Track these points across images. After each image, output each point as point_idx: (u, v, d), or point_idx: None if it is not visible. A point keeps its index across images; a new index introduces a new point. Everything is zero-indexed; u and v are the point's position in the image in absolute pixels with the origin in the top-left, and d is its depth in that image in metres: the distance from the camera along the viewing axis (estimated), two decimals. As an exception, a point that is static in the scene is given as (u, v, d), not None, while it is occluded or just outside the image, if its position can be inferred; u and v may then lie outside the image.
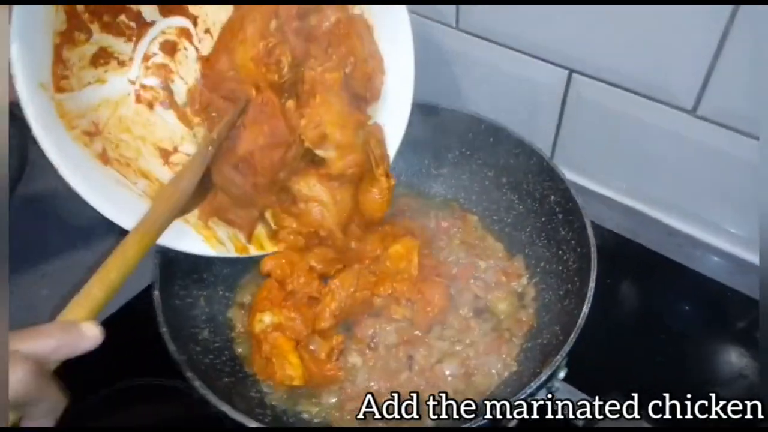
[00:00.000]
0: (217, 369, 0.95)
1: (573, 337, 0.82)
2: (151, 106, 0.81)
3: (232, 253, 0.86)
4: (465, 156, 1.18)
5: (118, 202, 0.75)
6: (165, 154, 0.83)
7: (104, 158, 0.75)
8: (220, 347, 0.99)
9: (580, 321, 0.84)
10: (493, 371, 0.93)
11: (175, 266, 0.99)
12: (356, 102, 0.92)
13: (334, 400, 0.93)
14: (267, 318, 0.94)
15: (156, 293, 0.91)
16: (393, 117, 0.96)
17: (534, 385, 0.78)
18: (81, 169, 0.70)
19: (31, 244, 1.18)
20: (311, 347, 0.94)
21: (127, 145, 0.78)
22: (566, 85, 1.14)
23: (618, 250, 1.14)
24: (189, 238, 0.82)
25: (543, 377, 0.79)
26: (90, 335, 0.54)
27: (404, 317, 0.96)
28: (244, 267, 1.11)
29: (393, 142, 1.00)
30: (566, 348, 0.82)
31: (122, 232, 0.72)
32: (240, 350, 1.00)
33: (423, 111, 1.14)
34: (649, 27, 0.98)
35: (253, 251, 0.92)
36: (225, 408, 0.78)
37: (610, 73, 1.08)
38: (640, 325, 1.07)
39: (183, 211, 0.81)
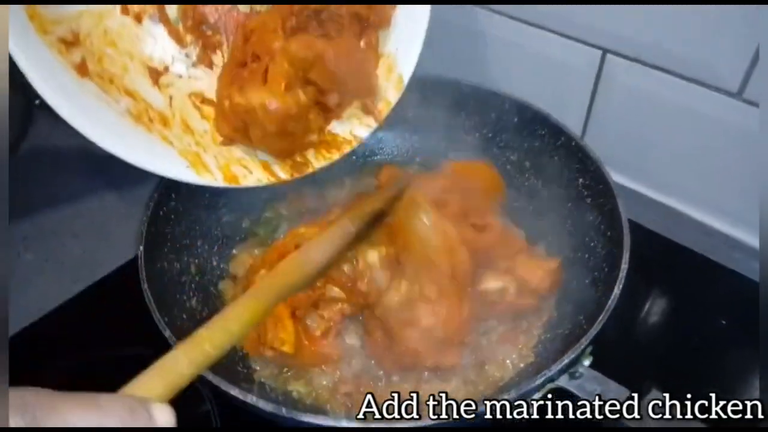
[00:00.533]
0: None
1: (603, 317, 0.74)
2: (138, 19, 0.75)
3: (220, 183, 0.78)
4: (486, 139, 1.11)
5: (93, 117, 0.68)
6: (154, 74, 0.77)
7: (83, 70, 0.68)
8: (207, 318, 0.91)
9: (610, 303, 0.76)
10: (508, 362, 0.86)
11: (166, 226, 0.93)
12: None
13: (325, 382, 0.85)
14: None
15: (141, 248, 0.84)
16: (404, 46, 0.86)
17: (555, 368, 0.70)
18: (54, 78, 0.64)
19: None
20: (308, 322, 0.87)
21: (111, 60, 0.72)
22: (599, 66, 1.07)
23: (649, 248, 1.05)
24: (170, 160, 0.75)
25: (566, 360, 0.70)
26: (160, 420, 0.41)
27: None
28: (241, 237, 1.05)
29: (404, 71, 0.88)
30: (593, 331, 0.73)
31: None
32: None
33: (442, 86, 1.08)
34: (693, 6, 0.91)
35: (245, 182, 0.83)
36: (208, 375, 0.70)
37: (648, 53, 1.01)
38: (670, 325, 0.97)
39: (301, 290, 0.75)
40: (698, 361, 0.90)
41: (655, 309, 1.00)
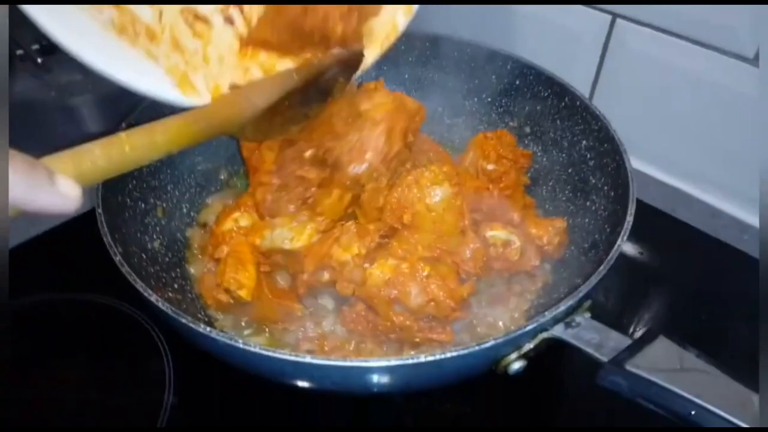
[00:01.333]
0: (162, 281, 0.81)
1: (604, 268, 0.67)
2: None
3: (206, 100, 0.72)
4: (484, 103, 1.06)
5: (74, 25, 0.62)
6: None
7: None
8: (170, 263, 0.86)
9: (613, 253, 0.70)
10: (500, 323, 0.80)
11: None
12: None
13: (288, 339, 0.79)
14: (244, 221, 0.81)
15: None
16: None
17: (549, 315, 0.63)
18: None
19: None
20: (277, 278, 0.81)
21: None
22: (608, 32, 1.02)
23: (652, 226, 0.99)
24: (155, 77, 0.68)
25: (562, 307, 0.64)
26: (64, 192, 0.40)
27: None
28: (216, 188, 0.99)
29: None
30: (594, 279, 0.67)
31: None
32: (192, 270, 0.87)
33: (440, 45, 1.04)
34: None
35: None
36: (164, 307, 0.64)
37: (659, 17, 0.96)
38: (674, 300, 0.92)
39: (234, 131, 0.69)
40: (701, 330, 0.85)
41: (656, 287, 0.94)
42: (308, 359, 0.59)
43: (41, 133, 1.19)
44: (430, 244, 0.75)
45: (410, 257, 0.73)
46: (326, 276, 0.78)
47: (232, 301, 0.77)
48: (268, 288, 0.79)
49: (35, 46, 1.01)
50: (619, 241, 0.71)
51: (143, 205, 0.87)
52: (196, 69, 0.73)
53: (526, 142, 1.02)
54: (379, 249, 0.75)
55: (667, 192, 1.07)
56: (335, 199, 0.77)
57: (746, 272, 0.96)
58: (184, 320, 0.62)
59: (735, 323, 0.86)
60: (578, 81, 0.97)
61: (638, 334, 0.86)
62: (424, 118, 0.83)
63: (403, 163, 0.80)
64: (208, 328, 0.62)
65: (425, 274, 0.72)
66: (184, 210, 0.94)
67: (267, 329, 0.80)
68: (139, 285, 0.65)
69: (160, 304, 0.63)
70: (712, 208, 1.04)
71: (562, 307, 0.64)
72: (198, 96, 0.71)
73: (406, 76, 1.09)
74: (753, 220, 1.00)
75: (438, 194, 0.76)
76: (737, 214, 1.02)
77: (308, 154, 0.78)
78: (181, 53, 0.73)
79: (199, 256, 0.89)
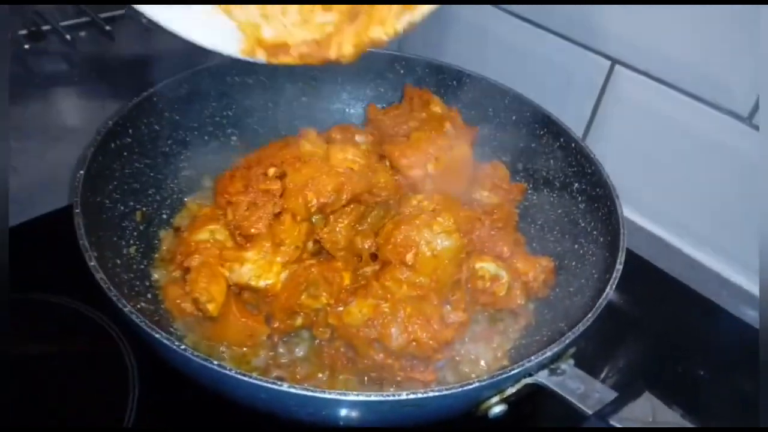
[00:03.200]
0: (135, 290, 0.79)
1: (591, 316, 0.68)
2: None
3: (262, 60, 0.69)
4: (479, 135, 1.06)
5: None
6: None
7: None
8: (144, 271, 0.84)
9: (601, 301, 0.70)
10: (482, 362, 0.80)
11: (115, 161, 0.84)
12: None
13: (256, 363, 0.78)
14: (220, 234, 0.79)
15: (81, 173, 0.75)
16: None
17: (534, 360, 0.62)
18: None
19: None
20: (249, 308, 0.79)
21: None
22: (606, 76, 1.04)
23: (638, 274, 1.00)
24: (222, 33, 0.66)
25: (548, 353, 0.63)
26: None
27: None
28: (202, 191, 0.97)
29: None
30: (580, 327, 0.67)
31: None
32: (156, 276, 0.85)
33: (438, 73, 1.05)
34: (708, 16, 0.89)
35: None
36: (139, 320, 0.62)
37: (658, 67, 0.98)
38: (653, 348, 0.93)
39: None
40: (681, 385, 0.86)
41: (635, 335, 0.94)
42: (285, 388, 0.57)
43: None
44: (415, 283, 0.75)
45: (392, 296, 0.73)
46: (299, 321, 0.78)
47: (197, 313, 0.75)
48: (237, 307, 0.77)
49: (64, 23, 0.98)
50: (607, 290, 0.71)
51: (122, 208, 0.84)
52: (270, 21, 0.69)
53: (518, 178, 1.02)
54: (359, 287, 0.75)
55: (651, 241, 1.08)
56: (288, 226, 0.77)
57: (723, 326, 0.97)
58: (157, 335, 0.60)
59: (712, 375, 0.88)
60: (573, 122, 0.98)
61: (612, 380, 0.87)
62: (394, 193, 0.84)
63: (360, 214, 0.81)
64: (183, 346, 0.60)
65: (407, 313, 0.71)
66: (164, 216, 0.92)
67: (227, 350, 0.78)
68: (113, 294, 0.63)
69: (134, 317, 0.61)
70: (693, 260, 1.05)
71: (548, 353, 0.63)
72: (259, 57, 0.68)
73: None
74: (734, 277, 1.01)
75: (447, 244, 0.76)
76: (718, 269, 1.03)
77: (271, 172, 0.80)
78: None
79: (165, 262, 0.87)
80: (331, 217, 0.79)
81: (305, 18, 0.68)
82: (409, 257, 0.74)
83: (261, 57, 0.68)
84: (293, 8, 0.69)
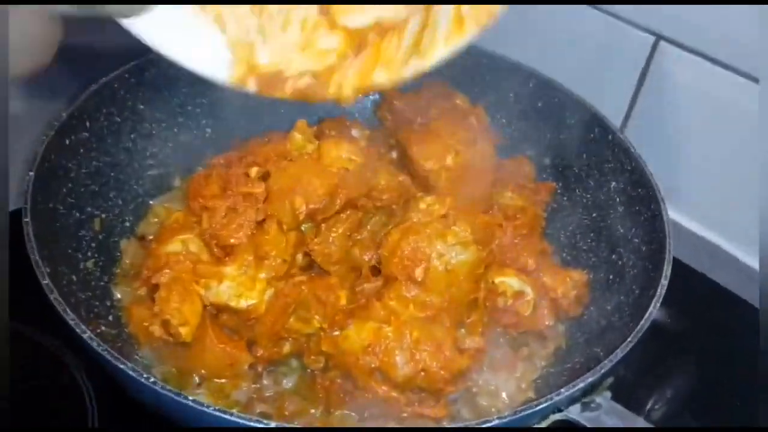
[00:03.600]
0: (94, 311, 0.80)
1: (632, 339, 0.69)
2: None
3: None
4: (499, 125, 1.07)
5: None
6: None
7: None
8: (105, 288, 0.85)
9: (643, 323, 0.71)
10: (504, 395, 0.81)
11: (71, 160, 0.86)
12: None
13: (237, 397, 0.78)
14: (194, 246, 0.80)
15: (31, 174, 0.77)
16: None
17: (564, 393, 0.64)
18: None
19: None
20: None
21: None
22: (649, 55, 1.05)
23: (683, 285, 1.01)
24: (209, 52, 0.68)
25: (580, 384, 0.64)
26: None
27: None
28: (171, 194, 0.98)
29: None
30: (619, 353, 0.68)
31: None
32: (118, 295, 0.86)
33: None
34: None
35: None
36: (101, 349, 0.63)
37: (709, 43, 0.99)
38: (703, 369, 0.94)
39: None
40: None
41: (683, 359, 0.95)
42: (272, 426, 0.59)
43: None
44: (424, 302, 0.76)
45: (397, 318, 0.74)
46: (287, 348, 0.79)
47: (167, 339, 0.76)
48: (214, 331, 0.78)
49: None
50: (651, 308, 0.73)
51: (78, 215, 0.86)
52: (267, 38, 0.71)
53: (545, 176, 1.04)
54: (357, 308, 0.76)
55: (701, 247, 1.09)
56: (273, 236, 0.78)
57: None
58: (122, 366, 0.61)
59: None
60: (610, 109, 1.00)
61: (657, 414, 0.87)
62: (397, 197, 0.85)
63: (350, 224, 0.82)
64: (151, 378, 0.61)
65: (413, 338, 0.73)
66: (127, 223, 0.93)
67: (202, 382, 0.79)
68: (71, 318, 0.64)
69: (94, 344, 0.62)
70: (750, 269, 1.06)
71: (581, 384, 0.65)
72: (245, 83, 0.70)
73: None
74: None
75: (463, 257, 0.77)
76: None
77: (254, 172, 0.81)
78: (260, 14, 0.71)
79: (128, 278, 0.88)
80: (323, 225, 0.80)
81: (307, 40, 0.70)
82: (417, 272, 0.75)
83: (252, 87, 0.70)
84: (295, 24, 0.70)
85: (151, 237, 0.91)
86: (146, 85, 0.95)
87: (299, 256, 0.81)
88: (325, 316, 0.76)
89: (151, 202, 0.96)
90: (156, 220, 0.94)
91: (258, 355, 0.77)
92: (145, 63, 0.94)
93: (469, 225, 0.78)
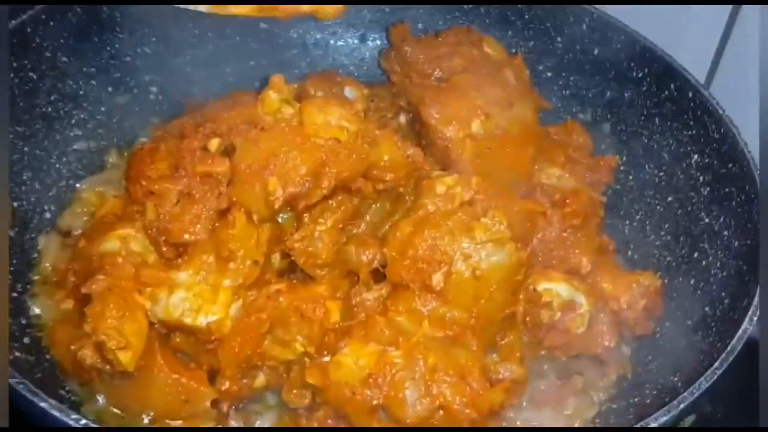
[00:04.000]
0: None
1: (720, 365, 0.69)
2: None
3: None
4: (542, 79, 1.08)
5: None
6: None
7: None
8: (19, 301, 0.86)
9: (736, 341, 0.72)
10: None
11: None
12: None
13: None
14: (136, 244, 0.81)
15: None
16: None
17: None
18: None
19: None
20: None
21: None
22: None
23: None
24: None
25: (653, 424, 0.66)
26: None
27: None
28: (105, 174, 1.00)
29: None
30: (701, 385, 0.69)
31: None
32: (37, 310, 0.87)
33: None
34: None
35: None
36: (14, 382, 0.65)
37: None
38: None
39: None
40: None
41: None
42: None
43: None
44: (443, 318, 0.76)
45: (407, 339, 0.75)
46: (261, 379, 0.80)
47: (102, 367, 0.76)
48: (164, 357, 0.79)
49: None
50: (745, 324, 0.73)
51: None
52: None
53: (603, 146, 1.05)
54: (354, 325, 0.77)
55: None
56: (240, 230, 0.78)
57: None
58: (43, 404, 0.62)
59: None
60: (691, 60, 1.00)
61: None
62: (406, 177, 0.85)
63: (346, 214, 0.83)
64: (82, 420, 0.62)
65: (429, 366, 0.73)
66: (47, 214, 0.95)
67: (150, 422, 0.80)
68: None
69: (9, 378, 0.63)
70: None
71: (653, 424, 0.65)
72: None
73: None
74: None
75: (496, 259, 0.77)
76: None
77: (214, 145, 0.80)
78: None
79: (49, 287, 0.89)
80: (305, 215, 0.81)
81: None
82: (436, 279, 0.76)
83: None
84: None
85: (78, 232, 0.92)
86: (70, 29, 0.96)
87: (275, 257, 0.81)
88: (310, 338, 0.76)
89: (77, 186, 0.97)
90: (84, 209, 0.95)
91: (223, 389, 0.78)
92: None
93: (505, 215, 0.78)
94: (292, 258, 0.81)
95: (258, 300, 0.78)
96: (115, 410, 0.80)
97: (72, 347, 0.78)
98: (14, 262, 0.88)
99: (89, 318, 0.76)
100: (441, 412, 0.72)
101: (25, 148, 0.93)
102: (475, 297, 0.77)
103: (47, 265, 0.91)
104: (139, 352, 0.75)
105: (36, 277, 0.89)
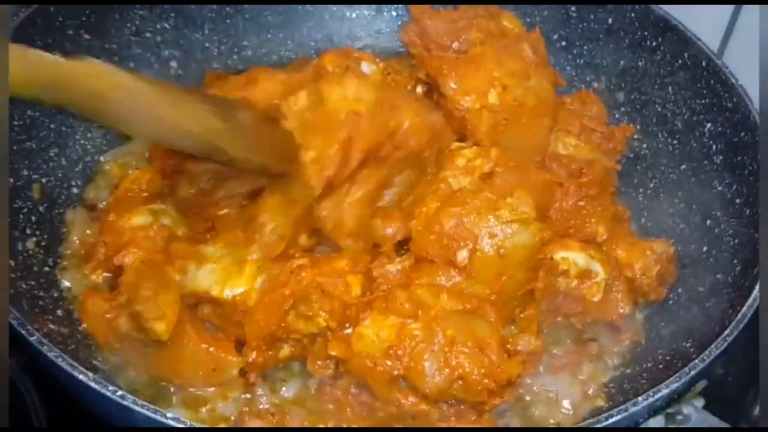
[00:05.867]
0: (39, 305, 0.83)
1: (731, 332, 0.71)
2: None
3: None
4: (556, 48, 1.09)
5: None
6: None
7: None
8: (50, 275, 0.88)
9: (745, 311, 0.73)
10: (565, 403, 0.83)
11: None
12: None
13: (224, 410, 0.81)
14: (166, 218, 0.83)
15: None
16: None
17: (642, 403, 0.67)
18: None
19: None
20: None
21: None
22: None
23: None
24: None
25: (663, 391, 0.67)
26: None
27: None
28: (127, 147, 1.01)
29: None
30: (712, 353, 0.70)
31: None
32: (67, 283, 0.88)
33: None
34: None
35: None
36: (54, 355, 0.67)
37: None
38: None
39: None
40: None
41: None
42: None
43: None
44: (461, 293, 0.78)
45: (426, 312, 0.76)
46: (286, 351, 0.81)
47: (136, 336, 0.79)
48: (193, 327, 0.80)
49: None
50: (756, 290, 0.74)
51: (12, 181, 0.88)
52: None
53: (617, 115, 1.05)
54: (375, 298, 0.78)
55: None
56: (273, 208, 0.80)
57: None
58: (81, 376, 0.64)
59: None
60: (704, 28, 1.00)
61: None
62: (428, 142, 0.86)
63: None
64: (119, 392, 0.64)
65: (447, 338, 0.74)
66: (74, 189, 0.96)
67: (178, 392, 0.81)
68: (14, 317, 0.67)
69: (45, 350, 0.66)
70: None
71: (665, 391, 0.67)
72: None
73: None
74: None
75: (520, 239, 0.79)
76: None
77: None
78: None
79: (79, 260, 0.90)
80: (336, 186, 0.82)
81: None
82: (461, 256, 0.77)
83: None
84: None
85: (102, 204, 0.94)
86: (91, 8, 0.97)
87: (303, 237, 0.83)
88: (332, 313, 0.78)
89: (101, 159, 0.99)
90: (107, 182, 0.97)
91: (249, 360, 0.79)
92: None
93: (530, 195, 0.79)
94: (319, 226, 0.83)
95: (281, 275, 0.79)
96: (144, 378, 0.81)
97: (108, 316, 0.80)
98: (45, 237, 0.89)
99: (124, 289, 0.78)
100: (459, 382, 0.73)
101: (51, 125, 0.95)
102: (497, 274, 0.78)
103: (75, 239, 0.92)
104: (173, 323, 0.77)
105: (67, 251, 0.91)
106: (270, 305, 0.78)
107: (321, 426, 0.80)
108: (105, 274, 0.87)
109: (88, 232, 0.92)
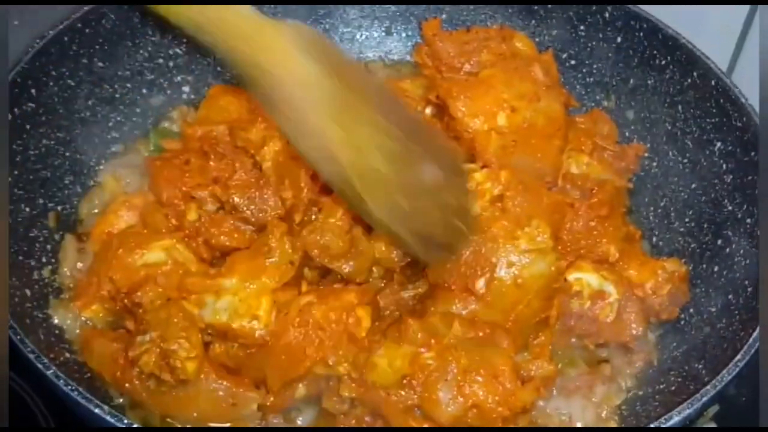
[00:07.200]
0: (54, 333, 0.84)
1: (743, 356, 0.71)
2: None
3: None
4: (565, 67, 1.08)
5: None
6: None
7: None
8: (68, 301, 0.88)
9: (756, 334, 0.73)
10: (579, 425, 0.84)
11: (14, 141, 0.88)
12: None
13: None
14: (179, 254, 0.83)
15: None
16: None
17: (657, 425, 0.67)
18: None
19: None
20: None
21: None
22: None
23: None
24: None
25: (675, 418, 0.68)
26: None
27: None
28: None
29: None
30: (724, 378, 0.71)
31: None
32: (56, 320, 0.86)
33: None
34: None
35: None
36: (71, 390, 0.68)
37: None
38: None
39: None
40: None
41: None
42: None
43: None
44: (473, 321, 0.78)
45: (438, 342, 0.76)
46: (302, 390, 0.81)
47: (159, 375, 0.77)
48: (212, 365, 0.80)
49: None
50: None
51: (29, 210, 0.89)
52: None
53: (627, 134, 1.05)
54: (389, 326, 0.79)
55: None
56: (279, 238, 0.80)
57: None
58: (97, 410, 0.65)
59: None
60: (713, 48, 1.00)
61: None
62: None
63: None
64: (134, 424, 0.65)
65: (461, 367, 0.74)
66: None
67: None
68: (29, 350, 0.68)
69: (62, 384, 0.66)
70: None
71: (677, 417, 0.67)
72: None
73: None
74: None
75: (538, 269, 0.79)
76: None
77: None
78: None
79: (69, 294, 0.89)
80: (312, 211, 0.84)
81: None
82: (479, 284, 0.78)
83: None
84: None
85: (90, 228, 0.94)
86: (104, 35, 0.98)
87: (306, 270, 0.84)
88: (355, 363, 0.77)
89: (99, 168, 1.00)
90: (100, 200, 0.97)
91: (267, 404, 0.80)
92: (101, 8, 0.96)
93: (548, 225, 0.80)
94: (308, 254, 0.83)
95: (292, 311, 0.79)
96: (155, 416, 0.81)
97: (130, 354, 0.78)
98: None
99: (150, 328, 0.78)
100: (474, 410, 0.73)
101: (66, 153, 0.96)
102: (514, 302, 0.79)
103: (66, 270, 0.91)
104: (200, 361, 0.78)
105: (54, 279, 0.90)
106: (294, 349, 0.78)
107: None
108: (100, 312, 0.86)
109: (79, 265, 0.92)
